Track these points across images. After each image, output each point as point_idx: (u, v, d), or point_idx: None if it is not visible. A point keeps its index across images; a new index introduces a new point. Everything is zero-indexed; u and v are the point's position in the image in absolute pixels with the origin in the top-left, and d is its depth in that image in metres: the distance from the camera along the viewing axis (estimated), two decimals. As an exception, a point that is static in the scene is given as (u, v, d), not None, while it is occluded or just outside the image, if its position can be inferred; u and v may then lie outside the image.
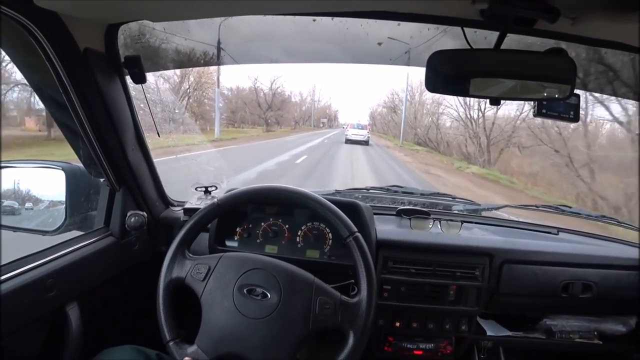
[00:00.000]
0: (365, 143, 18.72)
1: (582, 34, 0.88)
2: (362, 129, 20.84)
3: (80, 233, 1.13)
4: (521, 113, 11.52)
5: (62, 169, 1.15)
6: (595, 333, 1.42)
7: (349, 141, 18.56)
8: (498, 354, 1.49)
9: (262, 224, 1.23)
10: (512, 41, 0.89)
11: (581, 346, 1.42)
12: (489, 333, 1.39)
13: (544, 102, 0.97)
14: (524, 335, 1.41)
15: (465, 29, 0.90)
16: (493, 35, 0.87)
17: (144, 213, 1.21)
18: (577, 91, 0.93)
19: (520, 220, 1.57)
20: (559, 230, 1.46)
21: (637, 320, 1.42)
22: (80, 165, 1.15)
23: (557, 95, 0.87)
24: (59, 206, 1.16)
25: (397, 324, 1.29)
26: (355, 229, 0.93)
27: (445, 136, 16.85)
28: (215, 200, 0.97)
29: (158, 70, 1.27)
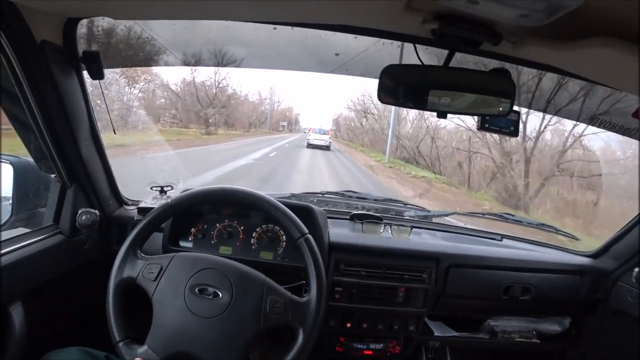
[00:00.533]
0: (326, 148, 18.69)
1: (521, 56, 0.96)
2: (324, 134, 20.70)
3: (27, 230, 1.09)
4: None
5: (10, 163, 1.11)
6: (534, 333, 1.53)
7: (310, 145, 18.48)
8: (445, 354, 1.57)
9: (217, 225, 1.23)
10: (461, 59, 0.95)
11: (521, 345, 1.52)
12: (436, 333, 1.46)
13: (487, 117, 1.04)
14: (469, 336, 1.49)
15: (417, 45, 0.96)
16: (443, 53, 0.94)
17: (96, 211, 1.19)
18: (516, 108, 1.01)
19: (467, 226, 1.66)
20: (503, 236, 1.56)
21: (570, 321, 1.54)
22: (30, 159, 1.11)
23: (499, 111, 0.94)
24: (5, 201, 1.11)
25: (348, 325, 1.32)
26: (306, 231, 0.96)
27: (444, 150, 12.38)
28: (169, 200, 0.97)
29: (117, 67, 1.25)
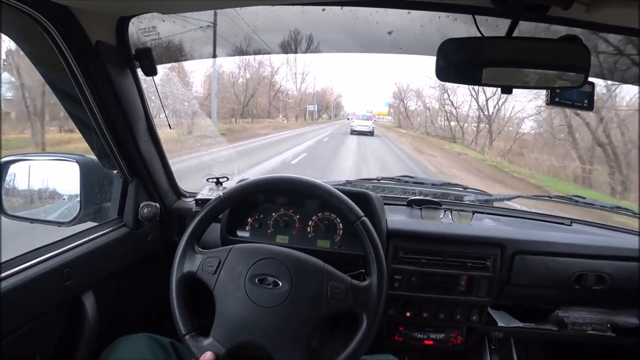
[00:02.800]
0: (370, 134, 18.50)
1: (596, 20, 0.86)
2: (367, 119, 20.60)
3: (94, 224, 1.15)
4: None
5: (76, 161, 1.17)
6: (609, 325, 1.41)
7: (354, 132, 18.32)
8: (509, 345, 1.49)
9: (273, 214, 1.24)
10: (525, 29, 0.87)
11: (594, 338, 1.40)
12: (500, 324, 1.39)
13: (557, 91, 0.95)
14: (535, 327, 1.41)
15: (476, 16, 0.89)
16: (505, 23, 0.86)
17: (157, 204, 1.23)
18: (591, 79, 0.92)
19: (533, 210, 1.55)
20: (572, 221, 1.44)
21: None
22: (94, 157, 1.17)
23: (570, 84, 0.85)
24: (73, 198, 1.18)
25: (408, 314, 1.29)
26: (362, 214, 0.93)
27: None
28: (222, 193, 0.98)
29: (169, 62, 1.28)
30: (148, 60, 1.05)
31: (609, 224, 1.50)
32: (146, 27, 1.04)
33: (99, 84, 0.97)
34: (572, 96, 0.96)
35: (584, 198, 1.48)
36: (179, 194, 1.40)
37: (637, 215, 1.45)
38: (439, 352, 1.40)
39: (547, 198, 1.52)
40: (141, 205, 1.20)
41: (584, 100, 0.97)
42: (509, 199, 1.55)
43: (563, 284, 1.28)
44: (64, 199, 1.22)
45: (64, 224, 1.15)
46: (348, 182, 1.53)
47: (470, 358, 1.39)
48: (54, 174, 1.22)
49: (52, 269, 0.90)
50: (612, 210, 1.47)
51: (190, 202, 1.37)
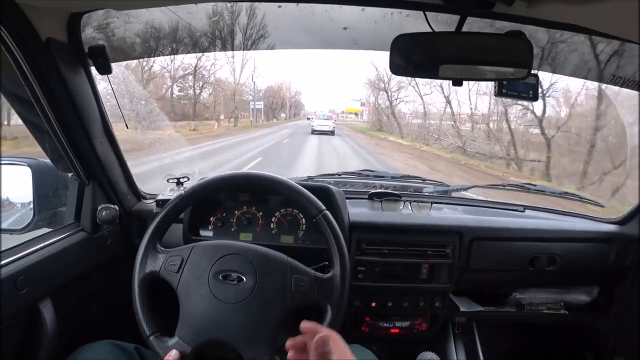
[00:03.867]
0: (331, 133, 18.64)
1: (538, 16, 0.91)
2: (328, 119, 20.75)
3: (50, 230, 1.10)
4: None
5: (28, 165, 1.12)
6: (562, 304, 1.50)
7: (315, 132, 18.40)
8: (472, 329, 1.55)
9: (236, 212, 1.23)
10: (476, 25, 0.92)
11: (549, 317, 1.50)
12: (462, 309, 1.45)
13: (504, 82, 1.01)
14: (495, 310, 1.48)
15: (427, 13, 0.92)
16: (454, 20, 0.90)
17: (116, 206, 1.19)
18: (535, 71, 0.98)
19: (488, 199, 1.63)
20: (525, 207, 1.52)
21: (599, 290, 1.51)
22: (47, 160, 1.12)
23: (516, 76, 0.91)
24: (26, 204, 1.13)
25: (373, 304, 1.32)
26: (324, 207, 0.95)
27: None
28: (182, 191, 0.97)
29: (124, 60, 1.24)
30: (102, 58, 1.01)
31: (559, 208, 1.59)
32: (99, 24, 1.01)
33: (50, 84, 0.93)
34: (518, 87, 1.02)
35: (535, 185, 1.57)
36: (138, 195, 1.36)
37: (582, 200, 1.55)
38: (405, 340, 1.44)
39: (501, 187, 1.60)
40: (99, 208, 1.16)
41: (529, 91, 1.03)
42: (466, 189, 1.61)
43: (518, 266, 1.35)
44: (15, 206, 1.17)
45: (17, 231, 1.10)
46: (310, 178, 1.54)
47: (435, 344, 1.44)
48: (4, 178, 1.16)
49: (5, 278, 0.86)
50: (561, 196, 1.56)
51: (150, 203, 1.34)
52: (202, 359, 0.85)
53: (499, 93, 1.01)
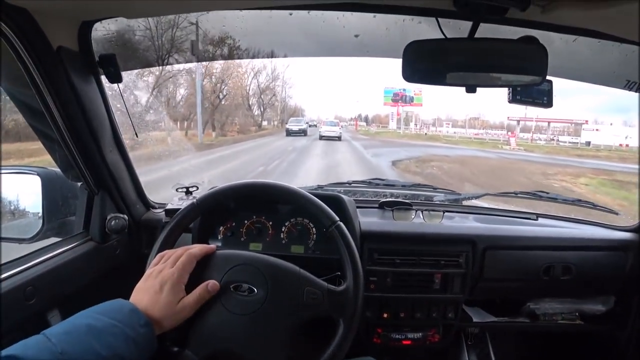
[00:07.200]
0: (338, 139, 18.92)
1: (552, 21, 0.90)
2: (335, 125, 21.23)
3: (59, 239, 1.10)
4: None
5: (38, 174, 1.12)
6: (577, 314, 1.47)
7: (323, 137, 18.70)
8: (485, 340, 1.52)
9: (245, 221, 1.22)
10: (486, 30, 0.91)
11: (564, 327, 1.46)
12: (475, 319, 1.41)
13: (518, 89, 1.00)
14: (509, 320, 1.44)
15: (439, 19, 0.92)
16: (467, 26, 0.90)
17: (125, 216, 1.19)
18: (549, 77, 0.96)
19: (500, 207, 1.60)
20: (538, 215, 1.50)
21: (615, 299, 1.47)
22: (57, 169, 1.12)
23: (530, 82, 0.90)
24: (35, 213, 1.13)
25: (385, 315, 1.30)
26: (337, 218, 0.93)
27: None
28: (194, 200, 0.96)
29: (135, 68, 1.25)
30: (112, 67, 1.01)
31: (572, 216, 1.57)
32: (110, 32, 1.01)
33: (61, 92, 0.93)
34: (532, 94, 1.01)
35: (547, 193, 1.54)
36: (147, 205, 1.35)
37: (596, 207, 1.52)
38: (417, 351, 1.42)
39: (513, 195, 1.57)
40: (108, 217, 1.16)
41: (543, 97, 1.02)
42: (477, 197, 1.59)
43: (533, 276, 1.33)
44: (25, 214, 1.17)
45: (26, 240, 1.09)
46: (320, 187, 1.53)
47: (448, 355, 1.41)
48: (14, 187, 1.16)
49: (13, 288, 0.85)
50: (574, 204, 1.53)
51: (159, 212, 1.33)
52: None
53: (513, 100, 0.99)
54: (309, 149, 14.45)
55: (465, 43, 0.87)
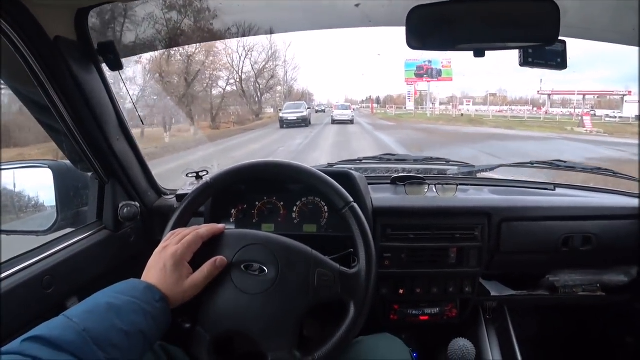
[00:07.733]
0: (350, 122, 18.83)
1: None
2: (347, 109, 20.95)
3: (73, 229, 1.11)
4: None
5: (49, 167, 1.13)
6: (598, 285, 1.43)
7: (335, 121, 18.49)
8: (504, 314, 1.50)
9: (257, 203, 1.21)
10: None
11: (585, 299, 1.43)
12: (493, 293, 1.39)
13: (530, 51, 0.95)
14: (527, 294, 1.42)
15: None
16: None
17: (137, 203, 1.19)
18: (562, 38, 0.92)
19: (516, 179, 1.56)
20: (556, 185, 1.45)
21: (638, 270, 1.42)
22: (67, 161, 1.13)
23: (542, 42, 0.85)
24: (49, 205, 1.14)
25: (401, 292, 1.29)
26: (351, 199, 0.91)
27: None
28: (207, 179, 0.95)
29: (134, 54, 1.23)
30: (112, 54, 1.00)
31: (591, 185, 1.52)
32: (107, 19, 1.00)
33: (62, 83, 0.93)
34: (545, 55, 0.96)
35: (564, 162, 1.49)
36: (159, 191, 1.36)
37: (616, 175, 1.46)
38: (435, 327, 1.40)
39: (529, 165, 1.53)
40: (120, 205, 1.17)
41: (557, 59, 0.97)
42: (492, 169, 1.55)
43: (551, 247, 1.29)
44: (39, 207, 1.18)
45: (42, 232, 1.11)
46: (330, 165, 1.51)
47: (466, 330, 1.39)
48: (27, 181, 1.18)
49: (31, 278, 0.87)
50: (593, 172, 1.48)
51: (171, 199, 1.34)
52: (220, 349, 0.83)
53: (525, 62, 0.95)
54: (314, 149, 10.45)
55: (472, 4, 0.83)
